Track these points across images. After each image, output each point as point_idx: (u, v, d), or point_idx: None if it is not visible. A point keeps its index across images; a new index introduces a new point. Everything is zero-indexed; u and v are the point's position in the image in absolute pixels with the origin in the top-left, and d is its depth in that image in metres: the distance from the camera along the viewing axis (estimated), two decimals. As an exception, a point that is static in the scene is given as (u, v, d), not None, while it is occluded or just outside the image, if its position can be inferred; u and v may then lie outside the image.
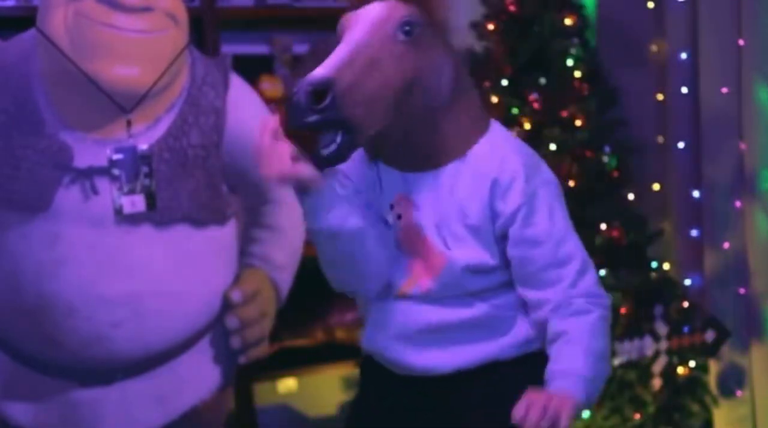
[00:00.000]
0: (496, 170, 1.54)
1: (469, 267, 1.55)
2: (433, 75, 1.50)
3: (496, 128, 1.61)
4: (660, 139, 3.10)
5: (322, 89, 1.37)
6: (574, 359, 1.49)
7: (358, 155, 1.60)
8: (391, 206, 1.58)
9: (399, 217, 1.58)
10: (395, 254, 1.59)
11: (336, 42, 1.50)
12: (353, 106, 1.39)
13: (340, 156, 1.42)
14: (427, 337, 1.59)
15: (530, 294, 1.56)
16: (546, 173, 1.59)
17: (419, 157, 1.55)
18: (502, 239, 1.56)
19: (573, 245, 1.57)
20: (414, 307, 1.58)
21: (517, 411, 1.37)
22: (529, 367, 1.59)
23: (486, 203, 1.54)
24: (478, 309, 1.58)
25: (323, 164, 1.43)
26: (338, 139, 1.40)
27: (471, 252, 1.55)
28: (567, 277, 1.55)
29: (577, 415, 1.46)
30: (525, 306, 1.60)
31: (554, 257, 1.55)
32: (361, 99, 1.40)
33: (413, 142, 1.52)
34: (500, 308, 1.59)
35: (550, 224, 1.55)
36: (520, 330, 1.60)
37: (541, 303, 1.55)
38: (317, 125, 1.39)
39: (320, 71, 1.39)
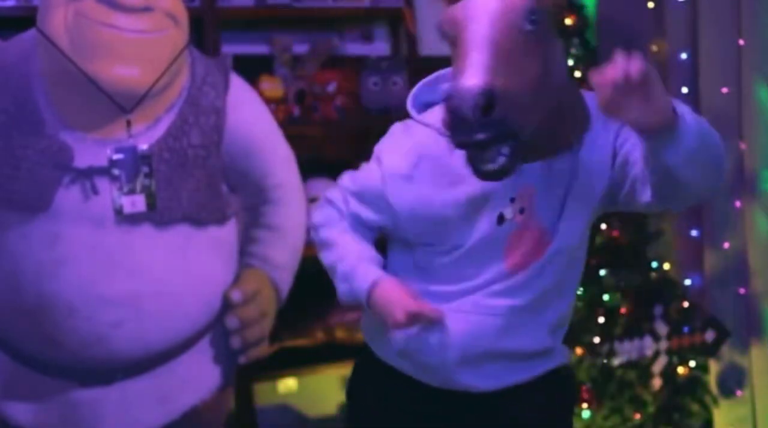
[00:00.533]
0: (603, 130, 1.48)
1: (571, 246, 1.51)
2: (555, 65, 1.40)
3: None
4: (660, 139, 3.10)
5: (488, 102, 1.25)
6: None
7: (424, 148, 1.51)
8: (512, 199, 1.49)
9: (521, 211, 1.49)
10: (497, 255, 1.51)
11: (447, 38, 1.39)
12: (516, 113, 1.28)
13: (510, 169, 1.32)
14: (487, 360, 1.55)
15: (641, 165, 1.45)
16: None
17: (545, 144, 1.45)
18: (620, 171, 1.48)
19: None
20: (483, 322, 1.52)
21: (597, 77, 1.27)
22: (558, 384, 1.62)
23: (609, 163, 1.48)
24: (542, 343, 1.56)
25: (490, 179, 1.34)
26: (505, 151, 1.30)
27: (571, 230, 1.50)
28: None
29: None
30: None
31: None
32: (518, 103, 1.29)
33: (544, 131, 1.40)
34: (557, 341, 1.59)
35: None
36: (560, 355, 1.62)
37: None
38: (490, 142, 1.28)
39: (474, 80, 1.27)
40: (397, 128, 1.60)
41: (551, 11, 1.40)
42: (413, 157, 1.52)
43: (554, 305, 1.56)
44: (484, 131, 1.26)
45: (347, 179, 1.63)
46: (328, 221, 1.63)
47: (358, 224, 1.60)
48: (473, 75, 1.28)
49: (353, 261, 1.54)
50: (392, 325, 1.46)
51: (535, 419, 1.59)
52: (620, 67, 1.26)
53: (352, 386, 1.76)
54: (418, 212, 1.53)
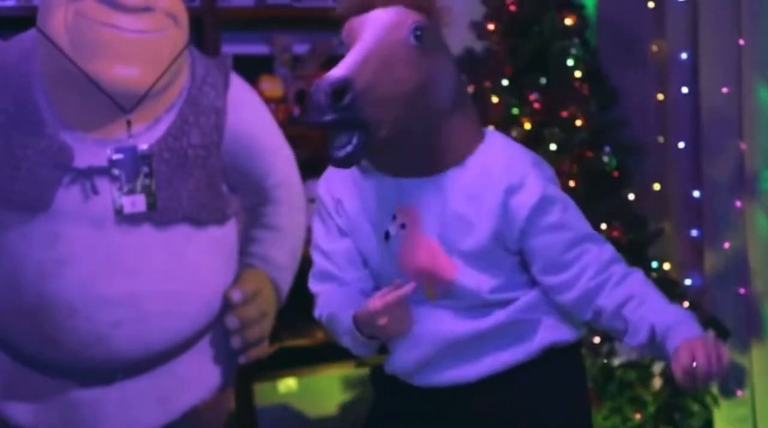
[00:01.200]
0: (505, 175, 1.55)
1: (480, 291, 1.56)
2: (438, 80, 1.51)
3: (492, 134, 1.63)
4: (660, 139, 3.10)
5: (341, 88, 1.38)
6: (666, 309, 1.56)
7: (345, 177, 1.63)
8: (393, 217, 1.58)
9: (403, 226, 1.58)
10: (394, 268, 1.59)
11: (344, 46, 1.51)
12: (371, 106, 1.40)
13: (355, 158, 1.43)
14: (449, 354, 1.59)
15: (556, 279, 1.57)
16: (550, 169, 1.62)
17: (420, 161, 1.55)
18: (515, 243, 1.57)
19: (588, 225, 1.60)
20: (431, 321, 1.58)
21: (683, 362, 1.41)
22: (555, 365, 1.61)
23: (497, 213, 1.54)
24: (496, 318, 1.58)
25: (338, 165, 1.44)
26: (354, 140, 1.41)
27: (477, 277, 1.56)
28: (591, 249, 1.56)
29: None
30: (547, 305, 1.60)
31: (576, 236, 1.56)
32: (378, 99, 1.41)
33: (416, 146, 1.52)
34: (521, 312, 1.59)
35: (565, 209, 1.57)
36: (546, 333, 1.60)
37: (571, 282, 1.56)
38: (335, 124, 1.40)
39: (338, 71, 1.40)
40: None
41: (438, 31, 1.54)
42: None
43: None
44: (331, 114, 1.38)
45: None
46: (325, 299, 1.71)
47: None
48: (338, 68, 1.41)
49: (340, 314, 1.63)
50: (380, 325, 1.51)
51: (526, 403, 1.60)
52: (704, 362, 1.42)
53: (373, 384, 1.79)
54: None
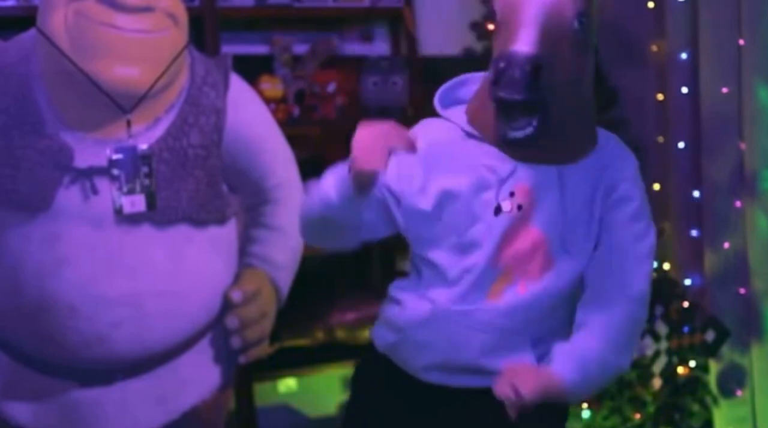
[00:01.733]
0: (608, 170, 1.52)
1: (573, 282, 1.51)
2: (587, 71, 1.48)
3: (606, 133, 1.60)
4: (660, 139, 3.10)
5: (538, 66, 1.35)
6: (584, 343, 1.48)
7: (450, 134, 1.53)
8: (511, 194, 1.48)
9: (519, 208, 1.48)
10: (487, 244, 1.49)
11: (500, 16, 1.45)
12: (555, 91, 1.38)
13: (535, 140, 1.39)
14: (462, 373, 1.54)
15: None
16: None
17: (553, 148, 1.47)
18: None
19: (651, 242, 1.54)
20: (468, 336, 1.51)
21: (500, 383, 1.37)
22: None
23: (595, 214, 1.50)
24: (523, 360, 1.52)
25: (515, 147, 1.40)
26: (534, 122, 1.38)
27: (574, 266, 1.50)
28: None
29: (571, 403, 1.48)
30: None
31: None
32: (557, 83, 1.39)
33: (559, 133, 1.45)
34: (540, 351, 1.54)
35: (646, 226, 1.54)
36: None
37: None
38: (527, 104, 1.36)
39: (527, 48, 1.36)
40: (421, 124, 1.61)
41: (594, 22, 1.49)
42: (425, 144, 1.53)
43: (543, 324, 1.54)
44: (528, 93, 1.34)
45: None
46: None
47: None
48: (526, 44, 1.36)
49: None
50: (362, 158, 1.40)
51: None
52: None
53: (355, 377, 1.74)
54: (425, 194, 1.52)
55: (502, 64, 1.36)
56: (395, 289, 1.61)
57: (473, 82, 1.58)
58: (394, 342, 1.59)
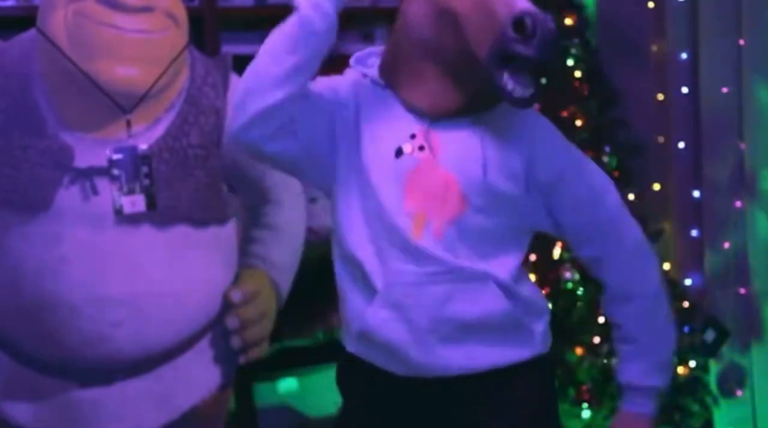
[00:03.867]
0: (529, 127, 1.52)
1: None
2: None
3: None
4: (660, 139, 3.10)
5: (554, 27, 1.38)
6: (646, 372, 1.58)
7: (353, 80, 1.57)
8: (412, 136, 1.49)
9: (421, 148, 1.49)
10: (393, 186, 1.49)
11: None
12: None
13: (535, 100, 1.42)
14: (451, 331, 1.50)
15: (589, 252, 1.58)
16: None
17: (473, 96, 1.48)
18: (535, 201, 1.53)
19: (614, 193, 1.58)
20: (433, 290, 1.48)
21: None
22: (538, 371, 1.57)
23: (521, 165, 1.50)
24: (501, 305, 1.50)
25: (520, 104, 1.42)
26: (535, 83, 1.40)
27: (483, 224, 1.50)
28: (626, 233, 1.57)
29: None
30: (543, 312, 1.58)
31: (611, 210, 1.57)
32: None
33: (469, 86, 1.48)
34: (522, 309, 1.52)
35: (599, 176, 1.56)
36: (537, 342, 1.56)
37: (601, 259, 1.58)
38: (544, 61, 1.39)
39: (531, 6, 1.39)
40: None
41: None
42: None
43: (498, 262, 1.51)
44: (552, 51, 1.37)
45: None
46: None
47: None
48: (528, 5, 1.39)
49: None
50: None
51: (507, 405, 1.55)
52: None
53: (338, 383, 1.72)
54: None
55: (529, 21, 1.37)
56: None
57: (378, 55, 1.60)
58: (363, 329, 1.57)
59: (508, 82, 1.40)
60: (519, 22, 1.37)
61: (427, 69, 1.49)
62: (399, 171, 1.49)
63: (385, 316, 1.50)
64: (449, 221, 1.48)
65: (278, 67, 1.49)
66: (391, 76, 1.54)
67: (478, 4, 1.42)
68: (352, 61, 1.63)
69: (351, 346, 1.59)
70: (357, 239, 1.51)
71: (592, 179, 1.56)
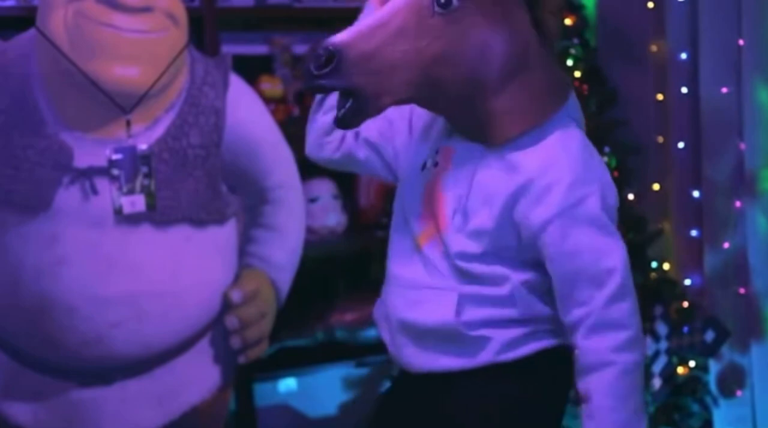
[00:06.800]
0: (534, 170, 1.45)
1: (460, 254, 1.49)
2: (472, 52, 1.42)
3: (557, 121, 1.50)
4: (660, 139, 3.10)
5: (328, 56, 1.37)
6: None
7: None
8: (437, 151, 1.54)
9: (436, 165, 1.53)
10: (415, 199, 1.56)
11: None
12: (361, 74, 1.38)
13: (348, 121, 1.42)
14: (410, 336, 1.55)
15: (565, 318, 1.49)
16: (600, 189, 1.48)
17: (462, 128, 1.51)
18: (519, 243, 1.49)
19: (615, 262, 1.49)
20: (407, 294, 1.54)
21: None
22: (520, 371, 1.55)
23: (507, 203, 1.46)
24: (443, 318, 1.51)
25: (337, 124, 1.44)
26: (348, 105, 1.40)
27: (465, 241, 1.49)
28: (600, 297, 1.46)
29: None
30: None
31: (593, 272, 1.46)
32: (373, 69, 1.38)
33: (455, 115, 1.49)
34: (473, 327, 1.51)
35: (589, 238, 1.46)
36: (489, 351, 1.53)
37: (573, 326, 1.48)
38: (319, 90, 1.44)
39: (337, 37, 1.39)
40: None
41: (491, 3, 1.43)
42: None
43: (475, 290, 1.51)
44: (316, 80, 1.38)
45: None
46: None
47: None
48: (343, 32, 1.40)
49: None
50: None
51: (487, 403, 1.55)
52: None
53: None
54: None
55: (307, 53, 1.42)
56: None
57: None
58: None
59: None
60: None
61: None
62: (421, 183, 1.55)
63: (379, 313, 1.62)
64: (438, 238, 1.51)
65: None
66: None
67: None
68: None
69: None
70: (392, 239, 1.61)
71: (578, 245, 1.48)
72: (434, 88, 1.43)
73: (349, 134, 1.63)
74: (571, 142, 1.49)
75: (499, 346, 1.52)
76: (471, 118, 1.48)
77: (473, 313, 1.50)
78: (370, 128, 1.61)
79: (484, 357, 1.52)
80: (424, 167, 1.55)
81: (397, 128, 1.64)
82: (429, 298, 1.52)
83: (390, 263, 1.59)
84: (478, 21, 1.42)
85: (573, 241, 1.45)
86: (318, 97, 1.63)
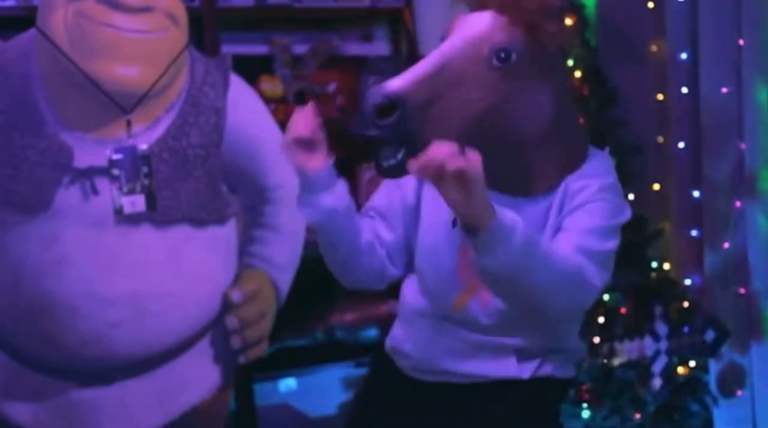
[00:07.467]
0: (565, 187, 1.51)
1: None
2: (523, 107, 1.43)
3: (594, 160, 1.55)
4: (660, 139, 3.10)
5: (389, 105, 1.33)
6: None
7: None
8: None
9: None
10: (449, 255, 1.55)
11: (442, 39, 1.45)
12: (421, 126, 1.35)
13: (400, 171, 1.38)
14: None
15: None
16: (619, 202, 1.56)
17: (499, 181, 1.46)
18: None
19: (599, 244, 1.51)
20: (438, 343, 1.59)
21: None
22: (544, 389, 1.61)
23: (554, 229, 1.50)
24: (506, 370, 1.57)
25: (383, 174, 1.41)
26: (399, 155, 1.37)
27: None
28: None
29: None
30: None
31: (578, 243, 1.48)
32: (433, 118, 1.35)
33: (497, 169, 1.41)
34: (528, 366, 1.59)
35: (590, 219, 1.49)
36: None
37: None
38: (378, 140, 1.37)
39: (397, 83, 1.35)
40: None
41: (540, 56, 1.43)
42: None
43: (522, 334, 1.57)
44: (374, 130, 1.34)
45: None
46: None
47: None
48: (400, 79, 1.36)
49: None
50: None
51: (512, 415, 1.59)
52: (435, 157, 1.28)
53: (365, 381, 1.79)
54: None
55: (365, 97, 1.38)
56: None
57: None
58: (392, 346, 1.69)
59: (377, 154, 1.42)
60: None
61: None
62: (455, 241, 1.54)
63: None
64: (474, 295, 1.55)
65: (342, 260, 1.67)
66: None
67: None
68: None
69: None
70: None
71: None
72: (479, 140, 1.38)
73: (379, 246, 1.64)
74: (606, 170, 1.57)
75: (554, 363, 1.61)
76: (510, 170, 1.47)
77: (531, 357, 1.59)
78: (379, 227, 1.64)
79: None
80: (454, 224, 1.51)
81: (392, 199, 1.66)
82: (474, 353, 1.58)
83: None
84: (533, 77, 1.43)
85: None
86: (344, 252, 1.61)
